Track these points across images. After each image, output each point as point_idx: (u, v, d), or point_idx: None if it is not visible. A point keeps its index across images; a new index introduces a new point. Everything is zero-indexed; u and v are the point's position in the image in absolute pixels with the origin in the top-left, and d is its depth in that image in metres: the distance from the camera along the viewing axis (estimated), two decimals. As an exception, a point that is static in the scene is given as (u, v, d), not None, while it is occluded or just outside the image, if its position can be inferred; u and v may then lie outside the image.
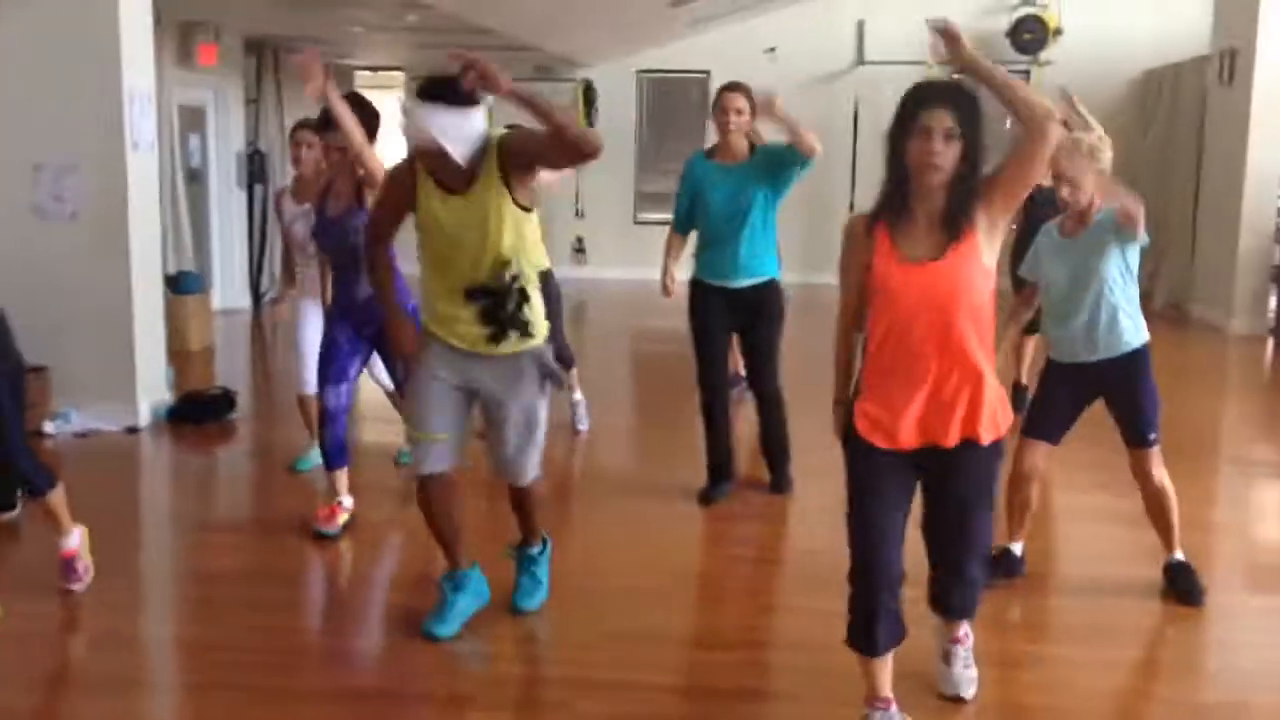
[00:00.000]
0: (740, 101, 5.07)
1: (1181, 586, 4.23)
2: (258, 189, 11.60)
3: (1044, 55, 13.23)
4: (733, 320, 5.24)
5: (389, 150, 4.53)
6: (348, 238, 4.65)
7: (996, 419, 3.01)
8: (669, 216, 5.45)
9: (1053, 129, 2.88)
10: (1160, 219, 10.75)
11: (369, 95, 4.99)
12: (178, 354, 8.27)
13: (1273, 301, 10.43)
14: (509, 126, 3.79)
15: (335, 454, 4.92)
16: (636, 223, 14.27)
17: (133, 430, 6.62)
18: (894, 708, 3.16)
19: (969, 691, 3.45)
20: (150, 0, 6.78)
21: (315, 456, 5.62)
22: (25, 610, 4.05)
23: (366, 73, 14.34)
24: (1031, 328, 4.90)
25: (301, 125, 5.58)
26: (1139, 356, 4.13)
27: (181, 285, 9.47)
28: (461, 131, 3.47)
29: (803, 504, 5.35)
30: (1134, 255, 4.09)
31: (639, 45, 13.70)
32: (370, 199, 4.42)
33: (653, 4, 10.79)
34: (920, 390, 2.95)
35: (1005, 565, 4.34)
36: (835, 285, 3.22)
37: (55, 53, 6.45)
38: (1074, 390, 4.21)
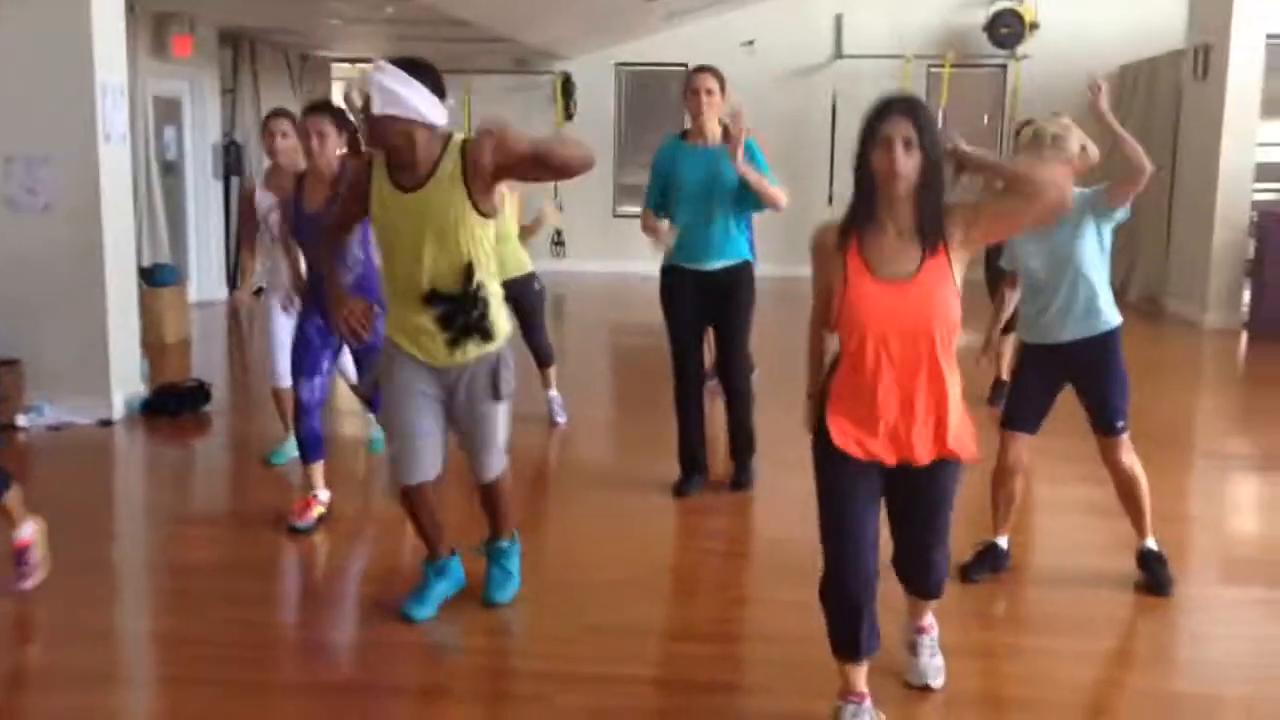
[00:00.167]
0: (710, 82, 5.04)
1: (1151, 576, 4.25)
2: (234, 180, 11.53)
3: (1020, 49, 13.29)
4: (705, 305, 5.20)
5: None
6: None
7: (963, 439, 3.04)
8: (647, 207, 5.40)
9: (1052, 212, 2.97)
10: (1135, 213, 10.79)
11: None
12: (153, 346, 8.23)
13: (1246, 296, 10.49)
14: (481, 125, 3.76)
15: (311, 447, 4.90)
16: (615, 216, 14.26)
17: (106, 423, 6.57)
18: (868, 702, 3.17)
19: (937, 681, 3.47)
20: (122, -8, 6.74)
21: (290, 449, 5.60)
22: (-4, 604, 4.02)
23: (344, 65, 14.27)
24: (1008, 327, 4.92)
25: (276, 114, 5.54)
26: (1111, 338, 4.15)
27: (156, 277, 9.42)
28: (423, 106, 3.47)
29: (775, 497, 5.35)
30: (1109, 234, 4.11)
31: (616, 38, 13.69)
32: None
33: (629, -4, 10.79)
34: (891, 408, 2.95)
35: (991, 559, 4.35)
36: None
37: (27, 45, 6.41)
38: (1046, 374, 4.21)
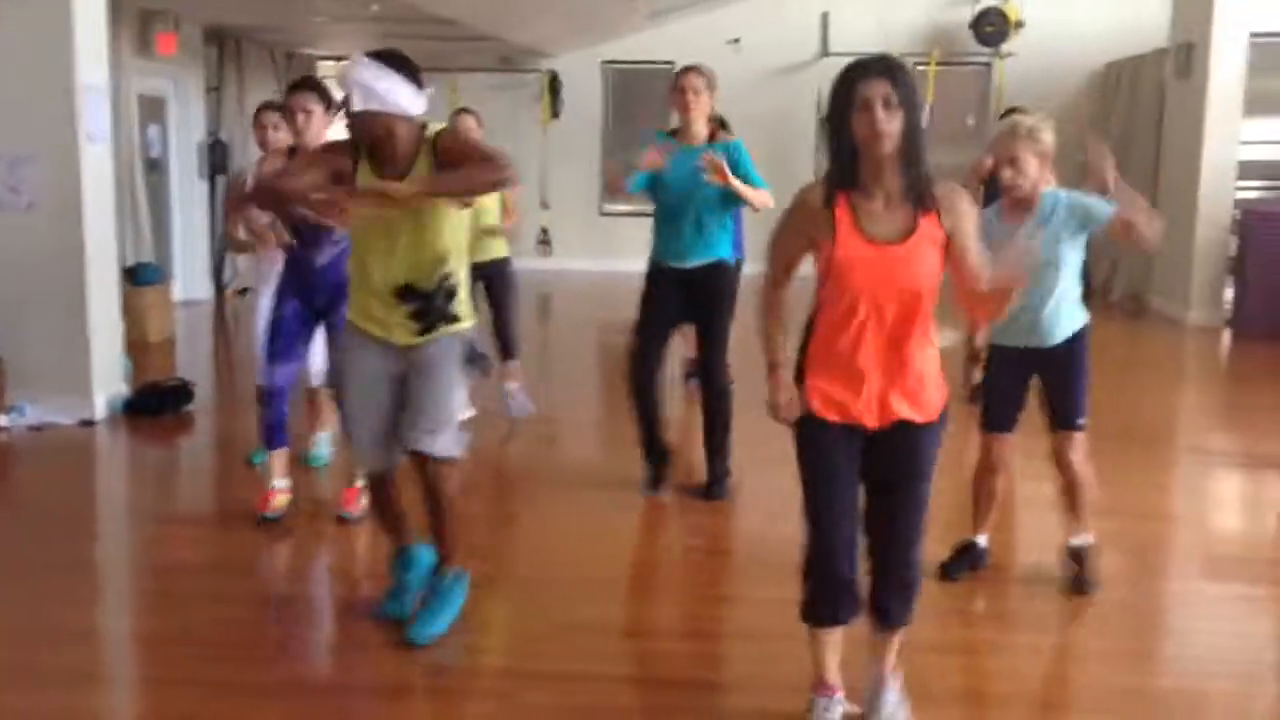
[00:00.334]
0: (697, 81, 5.03)
1: (1077, 571, 4.23)
2: (219, 179, 11.49)
3: (1005, 47, 13.32)
4: (685, 304, 5.17)
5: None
6: None
7: (938, 397, 3.01)
8: (634, 208, 5.39)
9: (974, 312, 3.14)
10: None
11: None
12: (137, 345, 8.19)
13: (1229, 293, 10.54)
14: (460, 110, 3.77)
15: (275, 432, 4.89)
16: (602, 214, 14.24)
17: (88, 423, 6.54)
18: (839, 694, 3.16)
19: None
20: (104, -9, 6.71)
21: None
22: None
23: (329, 63, 14.23)
24: None
25: (266, 106, 5.52)
26: (1081, 336, 4.15)
27: (140, 276, 9.37)
28: (402, 99, 3.48)
29: (752, 495, 5.34)
30: (1084, 236, 4.07)
31: (601, 36, 13.68)
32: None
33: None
34: (875, 370, 2.93)
35: (971, 557, 4.35)
36: (800, 278, 3.06)
37: (8, 44, 6.38)
38: (1017, 373, 4.20)
